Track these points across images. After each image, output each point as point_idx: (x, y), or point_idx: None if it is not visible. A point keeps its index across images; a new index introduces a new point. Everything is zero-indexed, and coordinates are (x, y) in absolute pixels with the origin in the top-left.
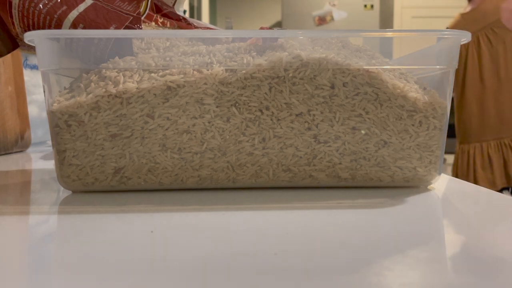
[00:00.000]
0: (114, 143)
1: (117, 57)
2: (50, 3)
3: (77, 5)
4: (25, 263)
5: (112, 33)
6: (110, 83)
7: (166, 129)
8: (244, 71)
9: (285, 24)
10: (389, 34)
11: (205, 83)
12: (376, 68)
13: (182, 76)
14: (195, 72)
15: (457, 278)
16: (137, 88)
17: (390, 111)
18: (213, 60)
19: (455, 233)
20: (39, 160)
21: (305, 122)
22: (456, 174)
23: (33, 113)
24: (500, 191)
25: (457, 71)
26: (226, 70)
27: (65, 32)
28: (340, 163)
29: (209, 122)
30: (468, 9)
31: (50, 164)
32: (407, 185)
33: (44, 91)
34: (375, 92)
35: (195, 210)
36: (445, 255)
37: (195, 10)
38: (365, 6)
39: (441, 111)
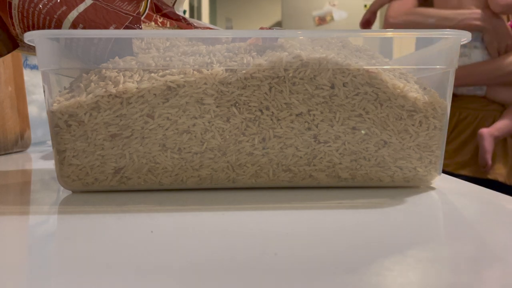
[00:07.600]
0: (114, 143)
1: (117, 57)
2: (50, 3)
3: (77, 5)
4: (25, 263)
5: (112, 33)
6: (110, 83)
7: (166, 129)
8: (244, 71)
9: (285, 24)
10: (389, 34)
11: (205, 83)
12: (376, 68)
13: (182, 76)
14: (195, 72)
15: (457, 278)
16: (137, 88)
17: (390, 111)
18: (213, 60)
19: (455, 233)
20: (39, 160)
21: (305, 122)
22: None
23: (33, 113)
24: None
25: None
26: (226, 70)
27: (65, 32)
28: (340, 163)
29: (209, 122)
30: None
31: (50, 164)
32: (407, 185)
33: (44, 91)
34: (375, 92)
35: (195, 210)
36: (445, 255)
37: (195, 10)
38: (365, 6)
39: (441, 111)
